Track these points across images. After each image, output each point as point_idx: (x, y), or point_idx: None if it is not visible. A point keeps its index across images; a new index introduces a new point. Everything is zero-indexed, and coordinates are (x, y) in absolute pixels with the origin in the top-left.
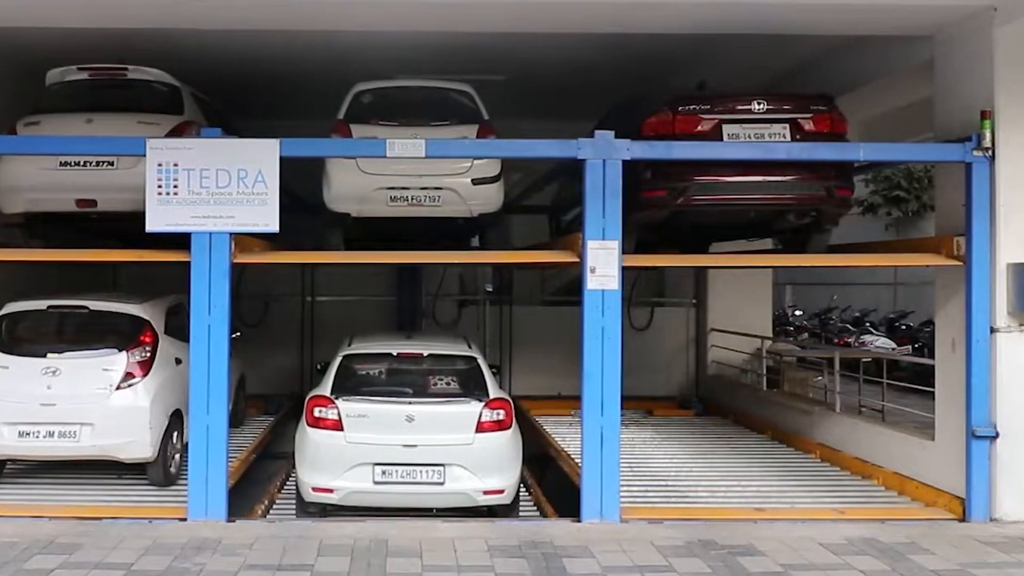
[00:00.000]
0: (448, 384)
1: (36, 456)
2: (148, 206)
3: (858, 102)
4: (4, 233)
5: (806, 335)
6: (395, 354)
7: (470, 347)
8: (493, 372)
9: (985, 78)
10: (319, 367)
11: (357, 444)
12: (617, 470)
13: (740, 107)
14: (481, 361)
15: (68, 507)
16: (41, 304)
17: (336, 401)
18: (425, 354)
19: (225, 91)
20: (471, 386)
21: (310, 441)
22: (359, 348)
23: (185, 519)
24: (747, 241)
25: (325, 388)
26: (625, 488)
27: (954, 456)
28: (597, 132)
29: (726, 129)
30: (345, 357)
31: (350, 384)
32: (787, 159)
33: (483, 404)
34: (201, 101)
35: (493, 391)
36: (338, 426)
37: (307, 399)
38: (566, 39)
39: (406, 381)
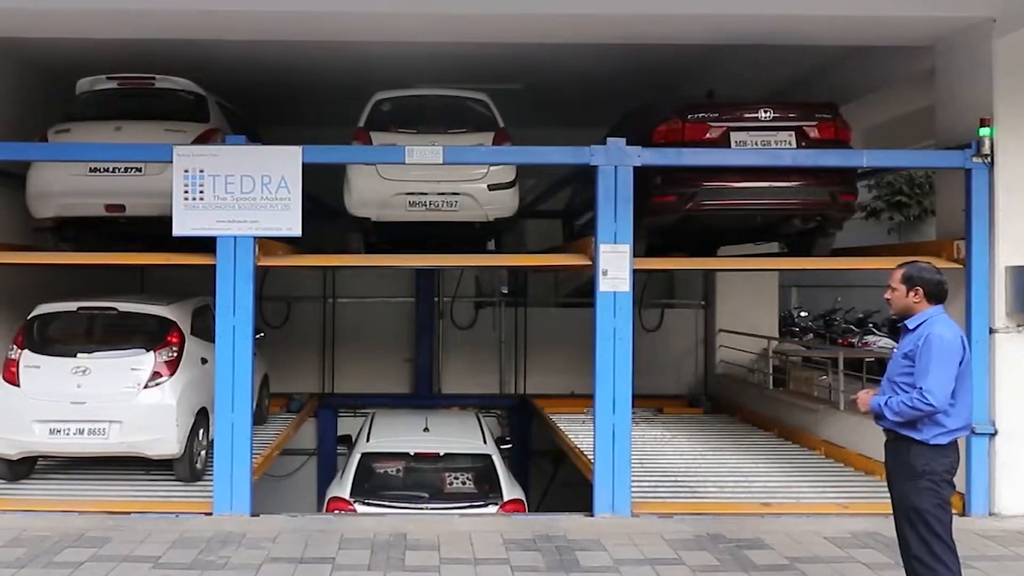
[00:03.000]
0: (464, 483)
1: (66, 452)
2: (175, 211)
3: (861, 110)
4: (36, 237)
5: (811, 335)
6: (412, 454)
7: (484, 436)
8: (507, 444)
9: (984, 87)
10: (339, 438)
11: None
12: (628, 466)
13: (747, 115)
14: (496, 459)
15: (97, 502)
16: (71, 305)
17: (354, 504)
18: (441, 453)
19: (249, 100)
20: (487, 488)
21: None
22: (377, 446)
23: (210, 514)
24: (754, 245)
25: (344, 489)
26: (636, 484)
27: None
28: (609, 139)
29: (734, 136)
30: (364, 455)
31: (368, 486)
32: (793, 165)
33: (498, 507)
34: (226, 109)
35: (508, 492)
36: None
37: (327, 499)
38: (580, 50)
39: (423, 482)
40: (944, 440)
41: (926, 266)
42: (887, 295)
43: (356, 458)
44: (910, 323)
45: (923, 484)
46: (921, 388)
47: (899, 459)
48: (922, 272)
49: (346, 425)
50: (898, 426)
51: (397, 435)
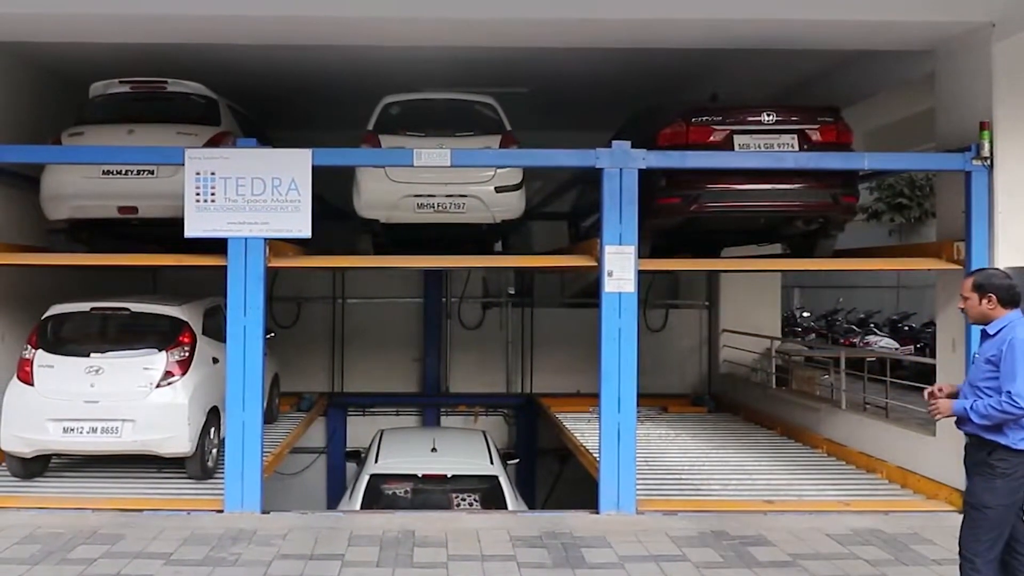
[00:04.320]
0: (471, 504)
1: (80, 451)
2: (187, 213)
3: (863, 113)
4: (50, 238)
5: (813, 335)
6: (420, 475)
7: (490, 456)
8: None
9: (984, 91)
10: (347, 452)
11: None
12: (633, 464)
13: (750, 118)
14: (502, 479)
15: (110, 500)
16: (84, 306)
17: None
18: (449, 475)
19: (260, 103)
20: (493, 508)
21: None
22: (386, 467)
23: (222, 511)
24: (757, 246)
25: (354, 508)
26: (641, 481)
27: (954, 451)
28: (614, 142)
29: (737, 139)
30: (372, 476)
31: (377, 506)
32: (795, 168)
33: None
34: (237, 113)
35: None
36: None
37: None
38: (586, 54)
39: (431, 502)
40: None
41: (995, 272)
42: (961, 304)
43: (365, 479)
44: (990, 328)
45: (998, 484)
46: (1010, 392)
47: (977, 462)
48: (992, 279)
49: (355, 425)
50: (983, 430)
51: (405, 455)
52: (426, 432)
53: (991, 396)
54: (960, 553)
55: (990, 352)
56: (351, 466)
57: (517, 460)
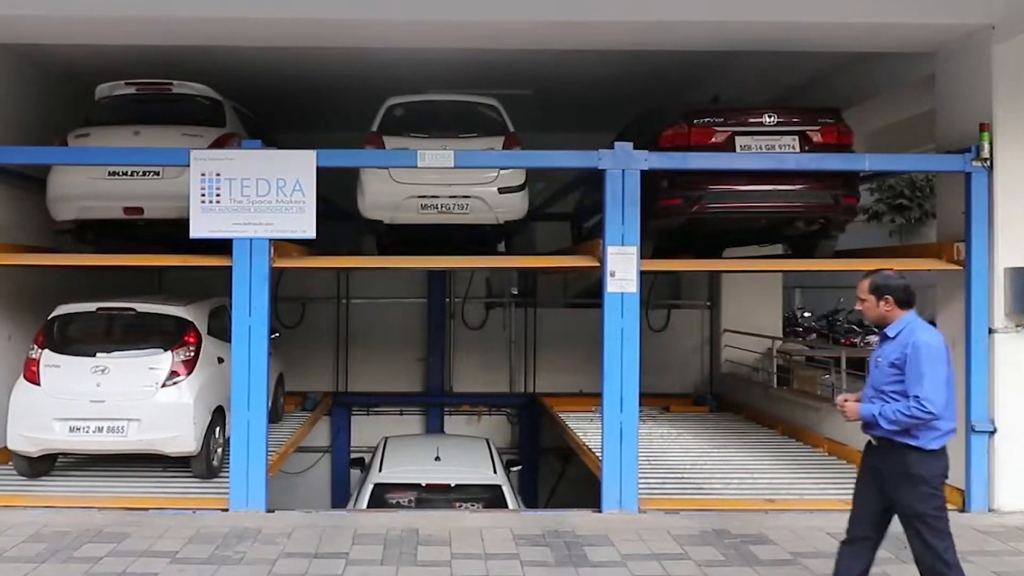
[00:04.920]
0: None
1: (86, 450)
2: (192, 214)
3: (864, 115)
4: (56, 239)
5: (814, 335)
6: (423, 485)
7: (494, 465)
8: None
9: (984, 92)
10: (352, 459)
11: None
12: (635, 463)
13: (752, 120)
14: (505, 488)
15: (116, 498)
16: (91, 306)
17: None
18: (452, 484)
19: (265, 105)
20: None
21: None
22: (390, 476)
23: (227, 510)
24: (758, 246)
25: None
26: (643, 480)
27: (954, 450)
28: (617, 144)
29: (739, 141)
30: (377, 486)
31: None
32: (796, 169)
33: None
34: (242, 114)
35: None
36: None
37: None
38: (588, 56)
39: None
40: (939, 444)
41: (891, 274)
42: (858, 306)
43: (369, 488)
44: (890, 331)
45: (925, 490)
46: (917, 396)
47: (896, 466)
48: (888, 280)
49: (359, 425)
50: (894, 433)
51: (409, 464)
52: (430, 440)
53: (898, 400)
54: (936, 569)
55: (893, 356)
56: (355, 472)
57: (520, 467)
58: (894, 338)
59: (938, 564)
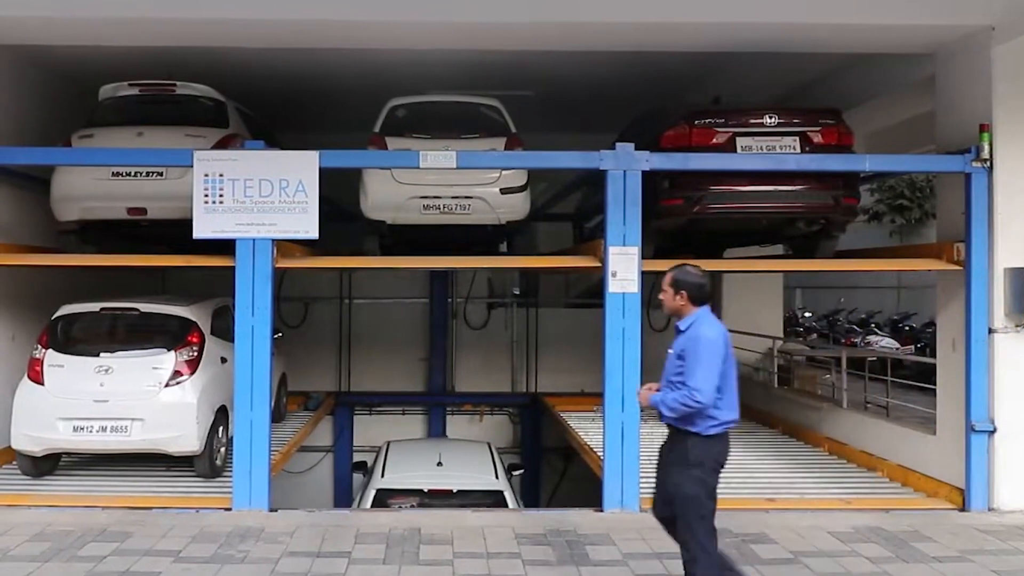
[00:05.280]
0: None
1: (90, 449)
2: (195, 214)
3: (864, 116)
4: (60, 239)
5: (815, 335)
6: (426, 491)
7: (496, 471)
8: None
9: (984, 93)
10: (355, 463)
11: None
12: (637, 462)
13: (753, 121)
14: (507, 494)
15: (120, 498)
16: (94, 306)
17: None
18: (454, 491)
19: (268, 105)
20: None
21: None
22: (392, 482)
23: (230, 509)
24: (759, 247)
25: None
26: (645, 479)
27: (954, 450)
28: (618, 144)
29: (740, 142)
30: (379, 491)
31: None
32: (797, 170)
33: None
34: (245, 115)
35: None
36: None
37: None
38: (590, 57)
39: None
40: (715, 431)
41: (691, 270)
42: (660, 295)
43: (371, 494)
44: (681, 324)
45: (696, 473)
46: (690, 387)
47: (677, 451)
48: (686, 276)
49: (362, 424)
50: (675, 421)
51: (411, 470)
52: (432, 444)
53: (681, 389)
54: (687, 554)
55: (680, 347)
56: (357, 476)
57: (522, 471)
58: (684, 331)
59: (698, 551)
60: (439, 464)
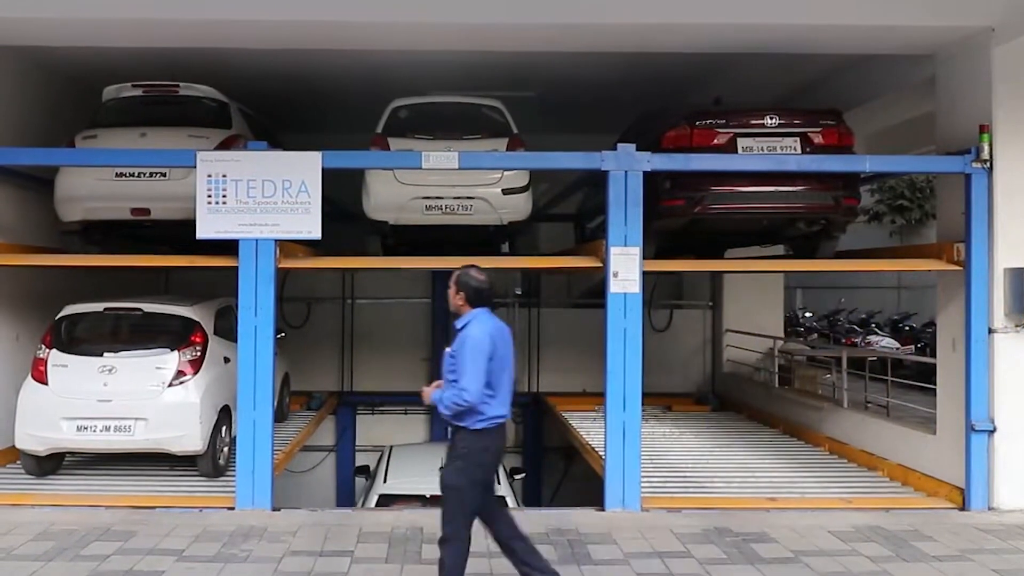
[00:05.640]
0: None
1: (93, 449)
2: (198, 214)
3: (864, 117)
4: (63, 240)
5: (815, 335)
6: (428, 496)
7: (497, 476)
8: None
9: (984, 94)
10: (357, 468)
11: None
12: (638, 462)
13: (754, 121)
14: (509, 500)
15: (123, 497)
16: (98, 306)
17: None
18: None
19: (270, 106)
20: None
21: None
22: (394, 487)
23: (233, 508)
24: (760, 247)
25: None
26: (646, 479)
27: (955, 449)
28: (619, 145)
29: (740, 142)
30: (382, 496)
31: None
32: (798, 171)
33: None
34: (248, 116)
35: None
36: None
37: None
38: (592, 58)
39: None
40: (482, 426)
41: (474, 273)
42: (449, 292)
43: (374, 499)
44: (458, 324)
45: (459, 464)
46: (459, 385)
47: (453, 445)
48: (468, 278)
49: (364, 424)
50: (451, 417)
51: (413, 475)
52: (434, 448)
53: (454, 387)
54: (440, 535)
55: (454, 347)
56: (359, 480)
57: (524, 474)
58: (459, 331)
59: (452, 536)
60: (440, 469)
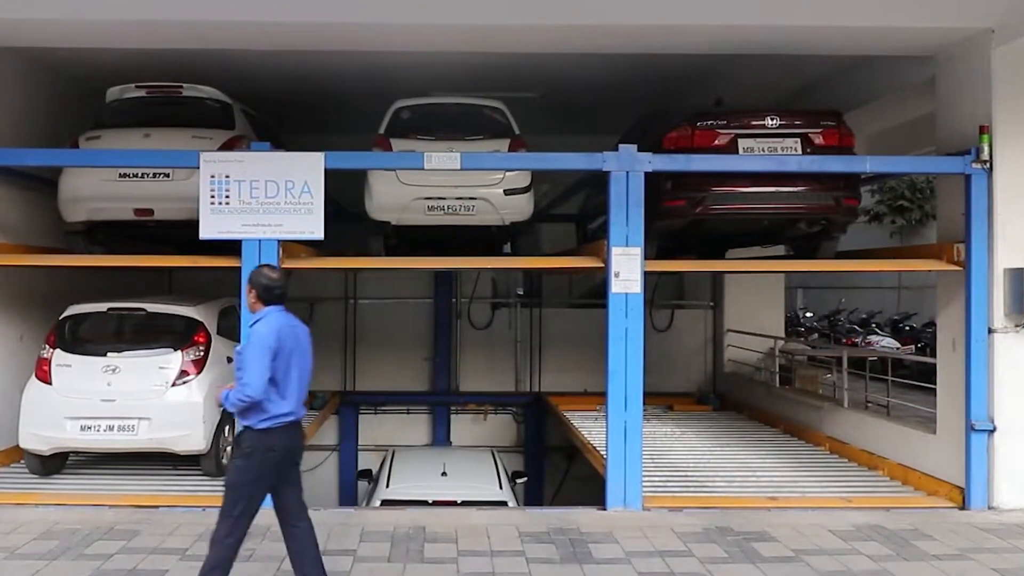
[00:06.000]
0: None
1: (97, 448)
2: (201, 215)
3: (865, 118)
4: (67, 240)
5: (816, 335)
6: (430, 502)
7: (500, 480)
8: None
9: (983, 95)
10: (359, 472)
11: None
12: (640, 461)
13: (754, 122)
14: (512, 505)
15: (127, 496)
16: (102, 306)
17: None
18: (459, 501)
19: (273, 107)
20: None
21: None
22: (397, 492)
23: None
24: (761, 247)
25: None
26: (647, 478)
27: (955, 449)
28: (621, 146)
29: (741, 143)
30: (384, 502)
31: None
32: (798, 171)
33: None
34: (251, 117)
35: None
36: None
37: None
38: (593, 59)
39: None
40: (267, 425)
41: (265, 271)
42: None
43: (376, 504)
44: (250, 321)
45: (239, 463)
46: (242, 382)
47: (235, 443)
48: (258, 276)
49: (367, 423)
50: (238, 414)
51: (416, 480)
52: (436, 454)
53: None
54: (214, 531)
55: (243, 343)
56: (362, 484)
57: (526, 478)
58: (251, 327)
59: (224, 536)
60: (443, 474)
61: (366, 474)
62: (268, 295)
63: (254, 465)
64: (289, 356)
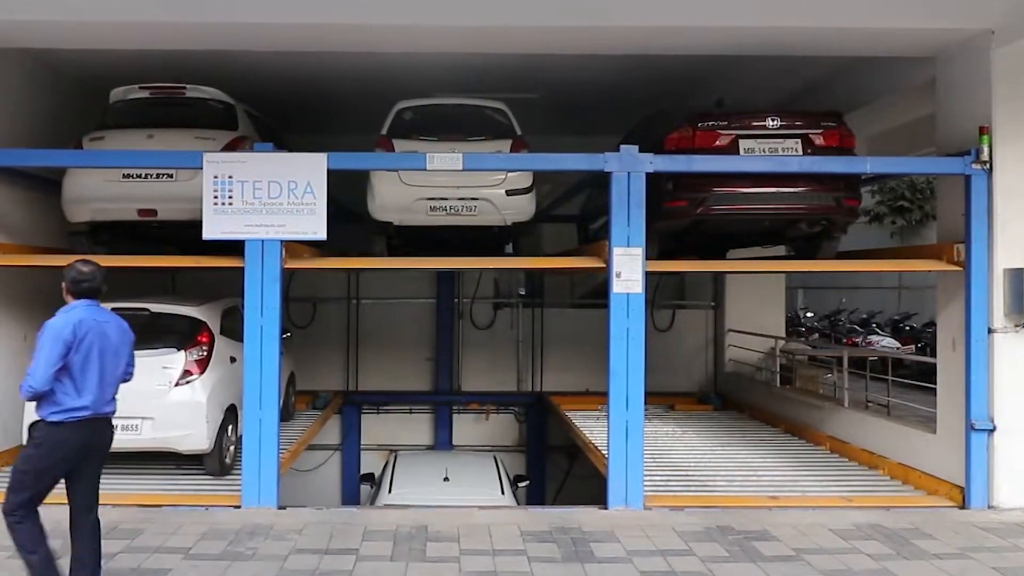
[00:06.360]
0: None
1: None
2: (205, 215)
3: (865, 118)
4: (71, 241)
5: (817, 335)
6: (433, 507)
7: (501, 485)
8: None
9: (983, 96)
10: (361, 476)
11: None
12: (641, 461)
13: (755, 123)
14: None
15: (130, 495)
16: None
17: None
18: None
19: (276, 108)
20: None
21: None
22: (399, 498)
23: (239, 507)
24: (762, 248)
25: None
26: (648, 478)
27: (955, 448)
28: (622, 147)
29: (742, 144)
30: (386, 507)
31: None
32: (799, 172)
33: None
34: (254, 117)
35: None
36: None
37: None
38: (594, 60)
39: None
40: (59, 418)
41: (77, 265)
42: None
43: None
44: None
45: (28, 452)
46: (27, 372)
47: (29, 434)
48: (69, 270)
49: (369, 423)
50: (36, 406)
51: (418, 485)
52: (439, 458)
53: None
54: (3, 511)
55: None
56: (364, 488)
57: (528, 482)
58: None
59: (14, 510)
60: (446, 479)
61: (368, 478)
62: (76, 288)
63: (42, 455)
64: (89, 350)
